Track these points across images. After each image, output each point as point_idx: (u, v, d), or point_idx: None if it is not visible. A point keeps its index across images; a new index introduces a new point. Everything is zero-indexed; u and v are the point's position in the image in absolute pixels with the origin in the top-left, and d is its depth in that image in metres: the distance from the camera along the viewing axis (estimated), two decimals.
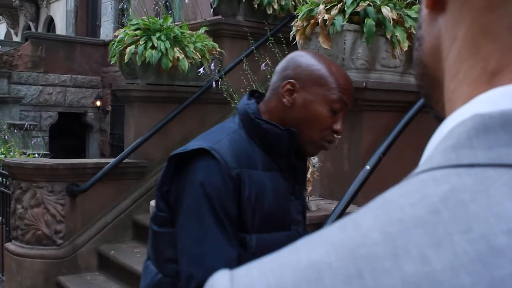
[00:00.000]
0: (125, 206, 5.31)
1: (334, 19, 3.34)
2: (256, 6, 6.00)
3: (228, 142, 1.52)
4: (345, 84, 1.56)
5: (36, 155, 6.70)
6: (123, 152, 5.27)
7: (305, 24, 3.53)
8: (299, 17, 3.58)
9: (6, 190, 5.43)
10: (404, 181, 0.36)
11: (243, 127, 1.59)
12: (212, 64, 5.20)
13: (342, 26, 3.34)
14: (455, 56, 0.41)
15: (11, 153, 6.83)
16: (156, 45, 5.20)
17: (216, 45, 5.66)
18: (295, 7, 5.63)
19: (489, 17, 0.38)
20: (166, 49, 5.22)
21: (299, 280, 0.31)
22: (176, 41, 5.38)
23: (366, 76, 3.47)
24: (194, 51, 5.40)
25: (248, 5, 6.10)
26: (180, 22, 5.90)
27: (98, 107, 11.89)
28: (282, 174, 1.61)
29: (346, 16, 3.35)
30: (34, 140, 9.13)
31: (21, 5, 16.92)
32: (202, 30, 5.68)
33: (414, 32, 3.39)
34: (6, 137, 7.84)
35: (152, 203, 3.21)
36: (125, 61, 5.28)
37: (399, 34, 3.35)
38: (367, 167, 3.11)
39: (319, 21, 3.40)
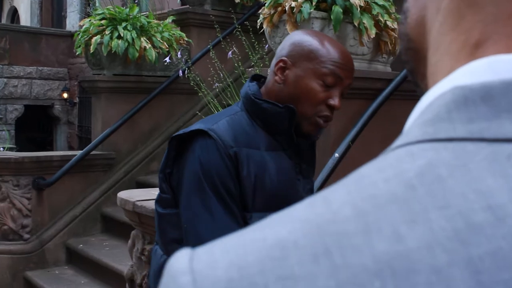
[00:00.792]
0: (94, 198, 5.25)
1: (302, 7, 3.32)
2: None
3: (226, 123, 1.54)
4: (340, 58, 1.53)
5: (1, 149, 6.57)
6: (90, 144, 5.22)
7: (272, 12, 3.51)
8: (266, 4, 3.56)
9: None
10: (380, 156, 0.34)
11: (245, 109, 1.60)
12: (179, 53, 5.15)
13: (310, 13, 3.32)
14: (438, 28, 0.39)
15: None
16: (122, 35, 5.14)
17: (183, 34, 5.61)
18: None
19: None
20: (133, 39, 5.16)
21: (263, 258, 0.29)
22: (143, 31, 5.32)
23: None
24: (161, 41, 5.35)
25: None
26: (147, 12, 5.83)
27: (65, 99, 11.71)
28: (287, 154, 1.61)
29: (314, 3, 3.34)
30: None
31: None
32: (169, 20, 5.62)
33: (382, 19, 3.39)
34: None
35: (120, 194, 3.17)
36: (91, 51, 5.21)
37: (367, 21, 3.35)
38: (336, 154, 3.11)
39: (287, 9, 3.38)
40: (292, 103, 1.54)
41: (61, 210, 5.08)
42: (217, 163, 1.48)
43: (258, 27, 3.70)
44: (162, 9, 6.51)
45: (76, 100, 11.54)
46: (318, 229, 0.30)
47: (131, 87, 5.51)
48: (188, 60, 5.49)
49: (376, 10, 3.39)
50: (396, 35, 3.51)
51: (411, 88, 3.59)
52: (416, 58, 0.44)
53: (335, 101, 1.54)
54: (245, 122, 1.57)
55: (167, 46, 5.38)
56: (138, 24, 5.29)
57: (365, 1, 3.38)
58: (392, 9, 3.52)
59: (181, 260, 0.33)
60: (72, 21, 12.50)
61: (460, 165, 0.30)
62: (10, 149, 7.06)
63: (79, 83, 10.24)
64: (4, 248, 4.75)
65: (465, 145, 0.31)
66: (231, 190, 1.49)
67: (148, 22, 5.38)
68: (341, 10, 3.30)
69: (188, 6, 6.20)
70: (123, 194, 3.17)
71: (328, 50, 1.53)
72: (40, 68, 11.58)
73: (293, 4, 3.35)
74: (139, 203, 2.88)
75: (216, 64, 4.06)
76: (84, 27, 5.34)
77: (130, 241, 3.00)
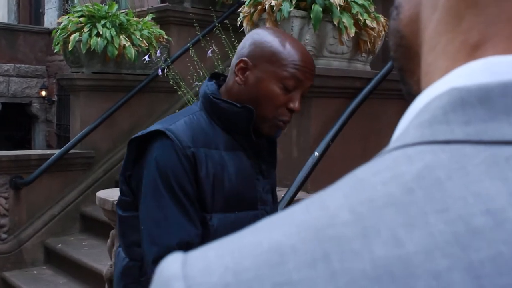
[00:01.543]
0: (72, 198, 5.21)
1: (281, 5, 3.32)
2: None
3: (184, 123, 1.52)
4: (300, 61, 1.52)
5: None
6: (69, 143, 5.17)
7: (252, 10, 3.50)
8: (246, 3, 3.55)
9: None
10: (376, 159, 0.34)
11: (204, 108, 1.58)
12: (158, 52, 5.13)
13: (289, 12, 3.32)
14: (435, 26, 0.38)
15: None
16: (101, 33, 5.09)
17: (163, 32, 5.59)
18: None
19: None
20: (112, 37, 5.12)
21: (260, 263, 0.29)
22: (122, 29, 5.28)
23: (314, 62, 3.47)
24: (140, 39, 5.32)
25: None
26: (126, 9, 5.79)
27: (43, 97, 11.58)
28: (246, 154, 1.59)
29: (293, 2, 3.34)
30: None
31: None
32: (148, 17, 5.60)
33: (361, 18, 3.41)
34: None
35: (99, 194, 3.15)
36: (69, 49, 5.16)
37: (346, 20, 3.36)
38: (316, 153, 3.12)
39: (266, 7, 3.38)
40: (252, 104, 1.53)
41: (39, 210, 5.03)
42: (173, 164, 1.46)
43: (238, 25, 3.69)
44: (141, 6, 6.47)
45: (55, 98, 11.42)
46: (315, 233, 0.29)
47: (110, 85, 5.47)
48: (168, 59, 5.46)
49: (355, 9, 3.40)
50: (375, 34, 3.52)
51: (391, 87, 3.62)
52: (407, 56, 0.44)
53: (295, 105, 1.53)
54: (203, 121, 1.55)
55: (147, 44, 5.35)
56: (117, 21, 5.25)
57: (344, 0, 3.39)
58: (372, 8, 3.54)
59: (173, 265, 0.31)
60: (50, 18, 12.36)
61: (458, 168, 0.30)
62: None
63: (57, 81, 10.14)
64: None
65: (463, 148, 0.31)
66: (188, 191, 1.47)
67: (128, 20, 5.35)
68: (321, 9, 3.31)
69: (167, 3, 6.17)
70: (102, 194, 3.15)
71: (289, 53, 1.51)
72: (17, 65, 11.44)
73: (273, 2, 3.35)
74: None
75: (195, 63, 4.04)
76: (62, 24, 5.28)
77: (109, 241, 2.98)
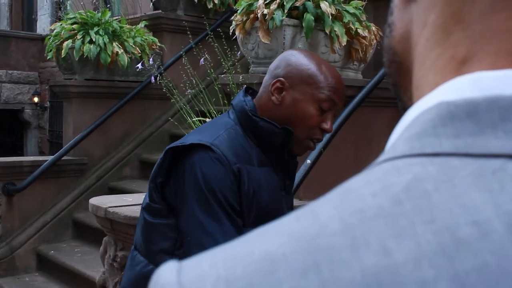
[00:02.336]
0: (65, 204, 5.20)
1: (274, 14, 3.35)
2: (196, 0, 5.96)
3: (227, 137, 1.54)
4: (335, 84, 1.57)
5: None
6: (61, 149, 5.17)
7: (244, 18, 3.53)
8: (238, 11, 3.57)
9: None
10: (366, 171, 0.34)
11: (239, 123, 1.60)
12: (151, 59, 5.14)
13: (282, 21, 3.35)
14: (424, 43, 0.40)
15: None
16: (94, 40, 5.10)
17: (156, 39, 5.60)
18: (235, 2, 5.62)
19: (461, 3, 0.37)
20: (105, 44, 5.13)
21: (252, 272, 0.29)
22: (115, 36, 5.29)
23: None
24: (133, 46, 5.33)
25: (188, 0, 6.06)
26: (119, 17, 5.80)
27: (35, 104, 11.55)
28: (274, 169, 1.63)
29: (286, 10, 3.37)
30: None
31: None
32: (141, 25, 5.61)
33: (353, 27, 3.44)
34: None
35: (92, 201, 3.16)
36: (62, 56, 5.16)
37: (338, 29, 3.39)
38: (308, 161, 3.14)
39: (259, 16, 3.40)
40: (286, 124, 1.56)
41: (31, 216, 5.02)
42: (221, 178, 1.48)
43: (230, 33, 3.72)
44: (134, 13, 6.48)
45: (47, 104, 11.39)
46: (306, 243, 0.30)
47: (103, 92, 5.47)
48: (161, 66, 5.48)
49: (347, 18, 3.43)
50: (367, 43, 3.56)
51: (382, 95, 3.65)
52: (400, 72, 0.45)
53: (328, 125, 1.57)
54: (240, 137, 1.57)
55: (140, 51, 5.36)
56: (110, 29, 5.26)
57: (336, 9, 3.42)
58: (363, 17, 3.57)
59: (168, 273, 0.33)
60: (43, 24, 12.35)
61: (446, 180, 0.31)
62: None
63: (50, 87, 10.12)
64: None
65: (451, 160, 0.32)
66: (234, 206, 1.49)
67: (121, 27, 5.36)
68: (313, 18, 3.34)
69: (160, 11, 6.19)
70: (95, 200, 3.15)
71: (325, 76, 1.56)
72: (10, 71, 11.41)
73: (266, 11, 3.37)
74: (111, 210, 2.87)
75: (188, 70, 4.06)
76: (55, 31, 5.29)
77: (102, 248, 2.99)
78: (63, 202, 5.20)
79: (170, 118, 5.21)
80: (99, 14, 5.38)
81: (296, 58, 1.60)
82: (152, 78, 4.85)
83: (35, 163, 5.01)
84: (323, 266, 0.29)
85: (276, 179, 1.63)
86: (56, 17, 8.30)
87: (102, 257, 2.97)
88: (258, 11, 3.41)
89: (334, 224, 0.30)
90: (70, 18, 5.31)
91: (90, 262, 4.38)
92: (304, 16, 3.35)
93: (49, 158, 5.14)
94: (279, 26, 3.35)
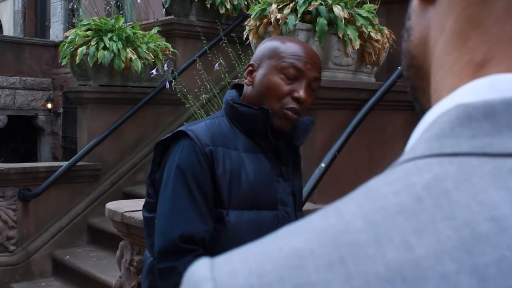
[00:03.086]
0: (80, 209, 5.23)
1: (287, 19, 3.36)
2: (208, 5, 5.98)
3: (205, 124, 1.64)
4: (299, 51, 1.62)
5: None
6: (76, 155, 5.20)
7: (258, 23, 3.54)
8: (252, 16, 3.59)
9: None
10: (388, 171, 0.36)
11: (225, 114, 1.69)
12: (165, 65, 5.17)
13: (295, 25, 3.36)
14: (442, 47, 0.41)
15: None
16: (108, 46, 5.14)
17: (169, 45, 5.63)
18: (248, 7, 5.64)
19: (477, 8, 0.38)
20: (119, 50, 5.17)
21: (281, 267, 0.31)
22: (129, 42, 5.33)
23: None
24: (147, 52, 5.36)
25: (200, 5, 6.08)
26: (132, 22, 5.84)
27: (49, 110, 11.63)
28: (267, 157, 1.67)
29: (299, 15, 3.38)
30: None
31: None
32: (154, 30, 5.64)
33: (365, 30, 3.44)
34: None
35: (109, 205, 3.18)
36: (77, 62, 5.21)
37: (351, 32, 3.39)
38: (322, 164, 3.14)
39: (272, 21, 3.41)
40: (261, 102, 1.62)
41: (47, 222, 5.05)
42: (192, 161, 1.56)
43: (244, 38, 3.73)
44: (147, 19, 6.52)
45: (60, 110, 11.47)
46: (332, 239, 0.32)
47: (117, 98, 5.51)
48: (175, 71, 5.50)
49: (360, 21, 3.44)
50: (380, 46, 3.56)
51: (395, 99, 3.65)
52: (418, 75, 0.46)
53: (299, 93, 1.60)
54: (224, 125, 1.66)
55: (153, 57, 5.39)
56: (124, 35, 5.30)
57: (349, 13, 3.43)
58: (376, 21, 3.57)
59: (202, 269, 0.34)
60: (56, 31, 12.45)
61: (464, 179, 0.32)
62: None
63: (63, 93, 10.19)
64: None
65: (470, 160, 0.33)
66: (204, 188, 1.56)
67: (134, 33, 5.40)
68: (326, 22, 3.34)
69: (173, 16, 6.22)
70: (111, 205, 3.17)
71: (287, 46, 1.63)
72: (23, 78, 11.50)
73: (279, 16, 3.39)
74: (127, 214, 2.89)
75: (202, 75, 4.08)
76: (69, 38, 5.33)
77: (118, 252, 3.01)
78: (78, 207, 5.24)
79: (184, 123, 5.22)
80: (113, 20, 5.42)
81: (265, 42, 1.72)
82: (167, 83, 4.88)
83: (50, 169, 5.05)
84: (349, 260, 0.30)
85: (268, 165, 1.67)
86: (69, 24, 8.37)
87: (119, 261, 2.99)
88: (271, 16, 3.43)
89: (358, 221, 0.32)
90: (84, 25, 5.36)
91: (105, 267, 4.40)
92: (317, 20, 3.36)
93: (64, 163, 5.17)
94: (293, 30, 3.36)
